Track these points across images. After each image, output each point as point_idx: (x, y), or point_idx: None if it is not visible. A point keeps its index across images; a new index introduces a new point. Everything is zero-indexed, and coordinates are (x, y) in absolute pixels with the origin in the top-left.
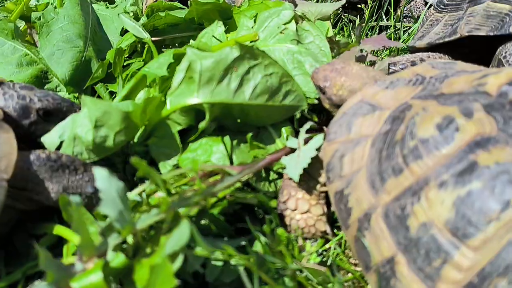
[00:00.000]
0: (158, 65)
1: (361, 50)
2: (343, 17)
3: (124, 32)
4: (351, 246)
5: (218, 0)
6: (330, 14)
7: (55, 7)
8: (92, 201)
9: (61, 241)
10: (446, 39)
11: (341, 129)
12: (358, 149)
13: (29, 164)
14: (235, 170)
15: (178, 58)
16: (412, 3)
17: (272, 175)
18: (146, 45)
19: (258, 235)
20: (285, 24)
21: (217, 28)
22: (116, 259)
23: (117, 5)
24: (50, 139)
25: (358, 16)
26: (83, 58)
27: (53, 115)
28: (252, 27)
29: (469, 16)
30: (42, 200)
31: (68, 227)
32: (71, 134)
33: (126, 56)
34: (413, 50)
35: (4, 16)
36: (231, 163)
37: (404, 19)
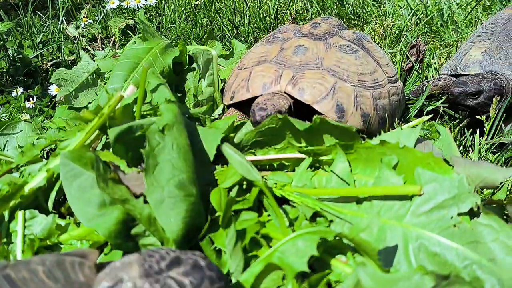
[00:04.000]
0: (295, 252)
1: None
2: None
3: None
4: None
5: (351, 128)
6: (498, 185)
7: (160, 128)
8: None
9: None
10: None
11: None
12: None
13: None
14: None
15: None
16: None
17: None
18: (255, 188)
19: None
20: (461, 215)
21: (339, 163)
22: None
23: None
24: None
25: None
26: (195, 211)
27: None
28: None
29: None
30: None
31: None
32: None
33: None
34: None
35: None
36: None
37: None
